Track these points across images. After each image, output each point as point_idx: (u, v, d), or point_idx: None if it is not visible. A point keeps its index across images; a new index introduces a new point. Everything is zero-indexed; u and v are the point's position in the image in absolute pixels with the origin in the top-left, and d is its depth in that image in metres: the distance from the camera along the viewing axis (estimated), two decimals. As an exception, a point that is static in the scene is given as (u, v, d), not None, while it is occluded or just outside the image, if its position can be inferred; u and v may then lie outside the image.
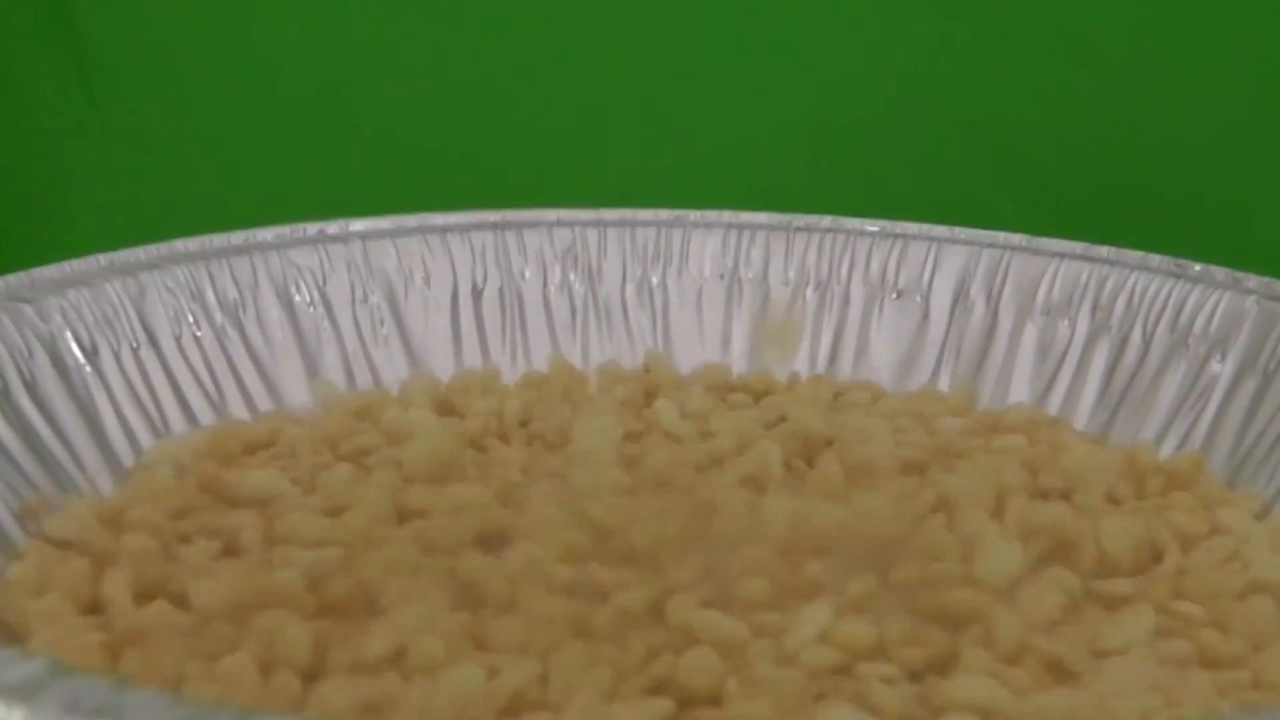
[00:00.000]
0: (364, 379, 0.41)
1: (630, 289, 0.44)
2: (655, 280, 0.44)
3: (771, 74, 0.57)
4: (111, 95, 0.57)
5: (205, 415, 0.39)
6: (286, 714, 0.20)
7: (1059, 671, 0.26)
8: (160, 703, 0.18)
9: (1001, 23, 0.55)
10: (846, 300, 0.43)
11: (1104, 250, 0.42)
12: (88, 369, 0.37)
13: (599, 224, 0.44)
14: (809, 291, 0.44)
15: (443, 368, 0.42)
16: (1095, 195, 0.56)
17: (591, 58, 0.57)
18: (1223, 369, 0.38)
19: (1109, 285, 0.41)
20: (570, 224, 0.44)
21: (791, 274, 0.44)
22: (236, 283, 0.41)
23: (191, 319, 0.40)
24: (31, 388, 0.35)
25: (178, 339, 0.39)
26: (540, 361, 0.43)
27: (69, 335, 0.37)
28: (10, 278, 0.37)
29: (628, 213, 0.45)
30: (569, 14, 0.57)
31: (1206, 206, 0.56)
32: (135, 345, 0.38)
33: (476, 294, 0.43)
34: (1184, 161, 0.56)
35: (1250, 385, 0.37)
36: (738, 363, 0.43)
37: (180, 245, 0.41)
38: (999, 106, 0.56)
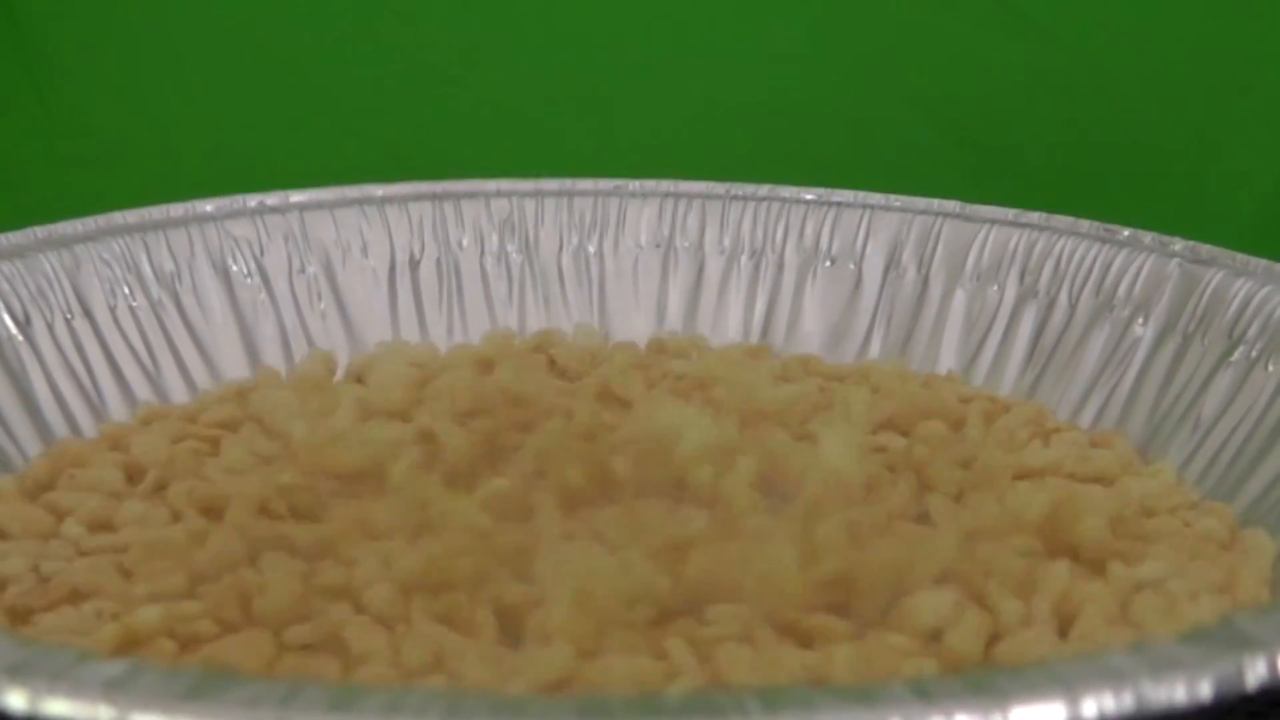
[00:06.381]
0: (301, 350, 0.42)
1: (567, 258, 0.44)
2: (592, 249, 0.44)
3: (714, 49, 0.57)
4: (56, 84, 0.57)
5: (140, 386, 0.39)
6: (118, 660, 0.20)
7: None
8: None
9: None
10: (780, 268, 0.44)
11: (1034, 216, 0.42)
12: (20, 339, 0.37)
13: (537, 194, 0.45)
14: (744, 259, 0.44)
15: (380, 338, 0.43)
16: (1038, 167, 0.56)
17: (538, 29, 0.57)
18: (1145, 331, 0.38)
19: (1037, 250, 0.41)
20: (509, 194, 0.45)
21: (727, 242, 0.44)
22: (173, 254, 0.41)
23: (127, 290, 0.40)
24: (-39, 358, 0.35)
25: (113, 310, 0.40)
26: (477, 331, 0.43)
27: (1, 306, 0.37)
28: (-57, 251, 0.38)
29: (567, 182, 0.45)
30: (531, 5, 0.57)
31: (1149, 176, 0.56)
32: (69, 316, 0.39)
33: (414, 264, 0.44)
34: (1125, 132, 0.56)
35: (1170, 347, 0.38)
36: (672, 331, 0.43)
37: (119, 217, 0.42)
38: (941, 79, 0.56)
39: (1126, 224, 0.41)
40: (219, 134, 0.57)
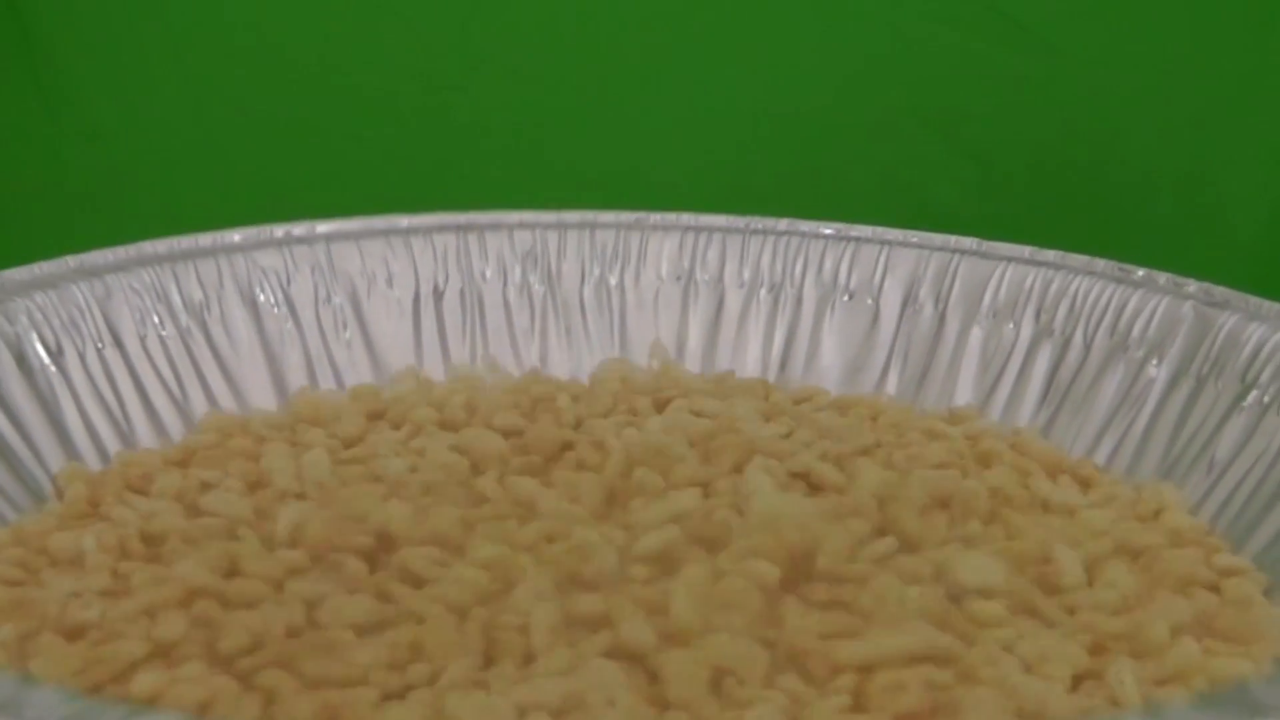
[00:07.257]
0: (326, 379, 0.42)
1: (588, 290, 0.45)
2: (613, 281, 0.45)
3: (724, 67, 0.57)
4: (61, 90, 0.57)
5: (168, 415, 0.40)
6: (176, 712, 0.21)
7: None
8: (57, 699, 0.19)
9: (949, 11, 0.56)
10: (799, 302, 0.44)
11: (1050, 254, 0.43)
12: (52, 369, 0.38)
13: (559, 226, 0.45)
14: (763, 293, 0.45)
15: (404, 367, 0.43)
16: (1042, 180, 0.56)
17: (559, 61, 0.58)
18: (1159, 373, 0.39)
19: (1053, 289, 0.42)
20: (532, 226, 0.45)
21: (746, 275, 0.45)
22: (201, 284, 0.42)
23: (156, 319, 0.41)
24: (-5, 388, 0.36)
25: (142, 339, 0.40)
26: (500, 361, 0.44)
27: (34, 336, 0.38)
28: (-21, 281, 0.39)
29: (589, 214, 0.46)
30: (533, 14, 0.57)
31: (1153, 191, 0.56)
32: (100, 346, 0.39)
33: (438, 295, 0.44)
34: (1132, 147, 0.56)
35: (1184, 389, 0.38)
36: (691, 364, 0.44)
37: (148, 247, 0.42)
38: (947, 94, 0.56)
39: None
40: (225, 143, 0.57)
